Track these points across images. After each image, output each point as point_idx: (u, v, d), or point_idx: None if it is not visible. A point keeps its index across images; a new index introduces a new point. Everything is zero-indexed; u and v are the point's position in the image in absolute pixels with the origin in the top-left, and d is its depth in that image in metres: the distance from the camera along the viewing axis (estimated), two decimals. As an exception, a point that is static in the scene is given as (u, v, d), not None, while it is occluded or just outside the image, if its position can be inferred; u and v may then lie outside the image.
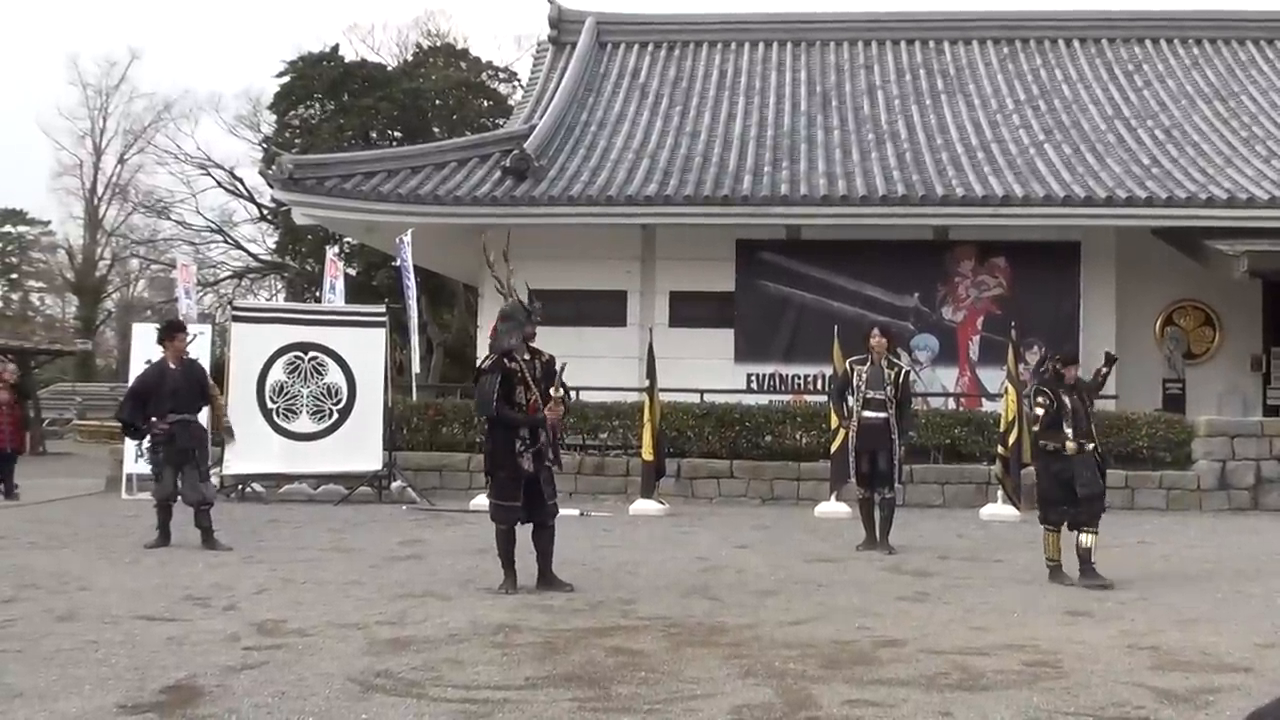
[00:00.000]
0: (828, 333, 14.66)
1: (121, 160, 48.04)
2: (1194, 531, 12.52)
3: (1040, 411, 8.79)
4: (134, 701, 5.07)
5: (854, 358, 11.13)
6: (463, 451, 15.56)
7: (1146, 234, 17.80)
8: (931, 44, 23.88)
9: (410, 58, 41.83)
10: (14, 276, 53.50)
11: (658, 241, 19.06)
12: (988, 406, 16.95)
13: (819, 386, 17.45)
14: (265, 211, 41.25)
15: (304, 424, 14.93)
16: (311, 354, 15.08)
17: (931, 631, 6.71)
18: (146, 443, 10.92)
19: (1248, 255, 16.14)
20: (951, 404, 17.56)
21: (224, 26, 72.39)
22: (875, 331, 10.89)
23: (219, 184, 43.57)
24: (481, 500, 10.15)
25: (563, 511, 8.64)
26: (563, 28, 24.55)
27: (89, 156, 48.40)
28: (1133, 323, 18.48)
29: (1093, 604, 7.70)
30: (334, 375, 15.08)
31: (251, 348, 15.06)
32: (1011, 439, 13.42)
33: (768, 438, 15.72)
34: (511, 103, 34.62)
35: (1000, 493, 13.67)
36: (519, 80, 37.98)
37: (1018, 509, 13.14)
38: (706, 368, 17.64)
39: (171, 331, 10.69)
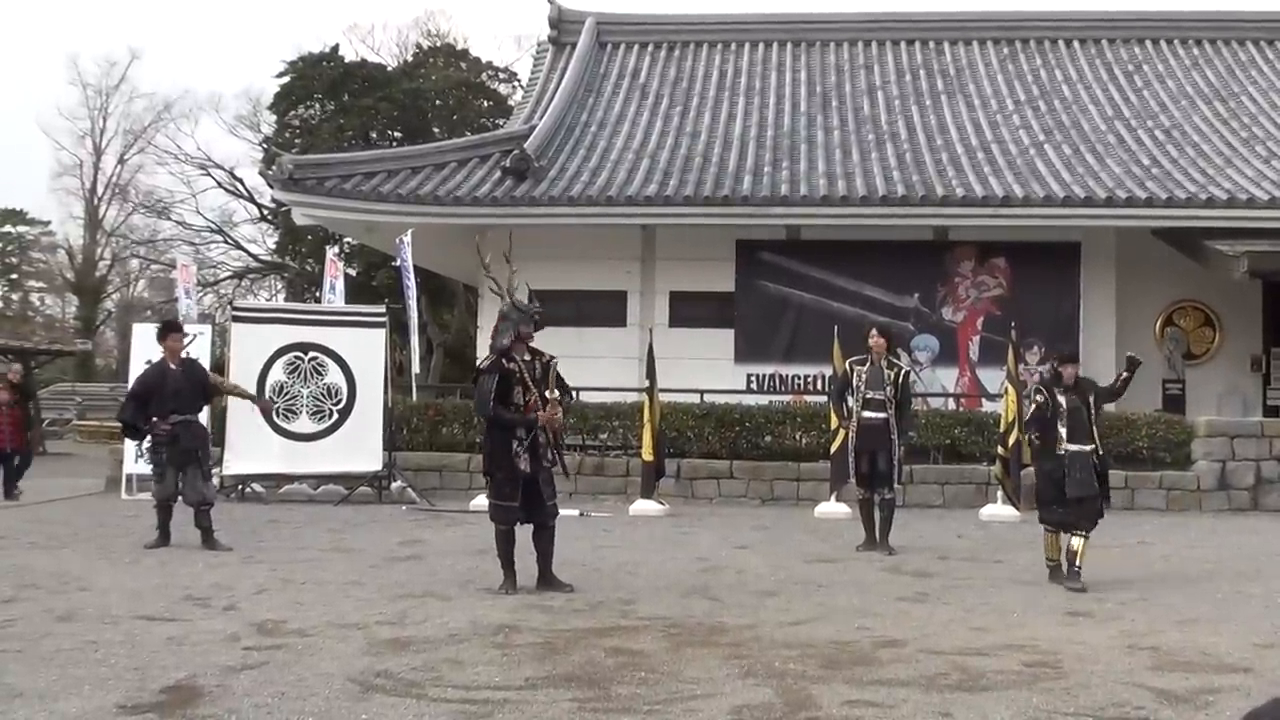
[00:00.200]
0: (827, 333, 14.64)
1: (121, 160, 48.17)
2: (1194, 532, 12.53)
3: (1032, 408, 8.80)
4: (134, 701, 5.08)
5: (854, 358, 11.11)
6: (463, 452, 15.56)
7: (1146, 234, 17.80)
8: (931, 44, 23.88)
9: (410, 58, 41.86)
10: (14, 276, 53.49)
11: (658, 242, 19.07)
12: (988, 407, 16.96)
13: (819, 387, 17.45)
14: (265, 212, 41.28)
15: (304, 424, 14.93)
16: (311, 354, 15.08)
17: (931, 632, 6.71)
18: (147, 443, 10.93)
19: (1248, 256, 16.14)
20: (951, 404, 17.56)
21: (224, 26, 72.50)
22: (875, 332, 10.88)
23: (219, 184, 43.68)
24: (481, 501, 10.15)
25: (563, 512, 8.65)
26: (563, 28, 24.55)
27: (89, 156, 48.54)
28: (1133, 323, 18.45)
29: (1093, 604, 7.70)
30: (334, 375, 15.09)
31: (251, 348, 15.06)
32: (1011, 439, 13.41)
33: (768, 438, 15.72)
34: (511, 103, 34.64)
35: (1000, 493, 13.67)
36: (519, 80, 38.02)
37: (1017, 509, 13.13)
38: (706, 368, 17.63)
39: (167, 331, 10.71)
